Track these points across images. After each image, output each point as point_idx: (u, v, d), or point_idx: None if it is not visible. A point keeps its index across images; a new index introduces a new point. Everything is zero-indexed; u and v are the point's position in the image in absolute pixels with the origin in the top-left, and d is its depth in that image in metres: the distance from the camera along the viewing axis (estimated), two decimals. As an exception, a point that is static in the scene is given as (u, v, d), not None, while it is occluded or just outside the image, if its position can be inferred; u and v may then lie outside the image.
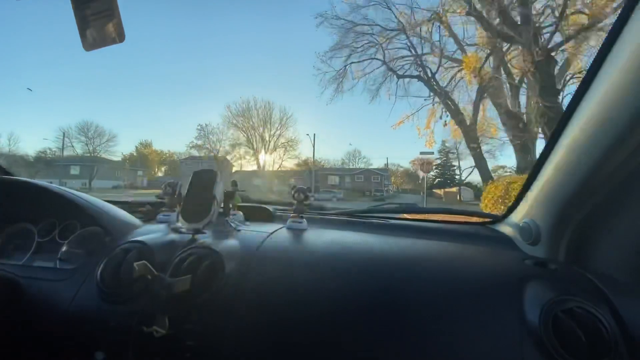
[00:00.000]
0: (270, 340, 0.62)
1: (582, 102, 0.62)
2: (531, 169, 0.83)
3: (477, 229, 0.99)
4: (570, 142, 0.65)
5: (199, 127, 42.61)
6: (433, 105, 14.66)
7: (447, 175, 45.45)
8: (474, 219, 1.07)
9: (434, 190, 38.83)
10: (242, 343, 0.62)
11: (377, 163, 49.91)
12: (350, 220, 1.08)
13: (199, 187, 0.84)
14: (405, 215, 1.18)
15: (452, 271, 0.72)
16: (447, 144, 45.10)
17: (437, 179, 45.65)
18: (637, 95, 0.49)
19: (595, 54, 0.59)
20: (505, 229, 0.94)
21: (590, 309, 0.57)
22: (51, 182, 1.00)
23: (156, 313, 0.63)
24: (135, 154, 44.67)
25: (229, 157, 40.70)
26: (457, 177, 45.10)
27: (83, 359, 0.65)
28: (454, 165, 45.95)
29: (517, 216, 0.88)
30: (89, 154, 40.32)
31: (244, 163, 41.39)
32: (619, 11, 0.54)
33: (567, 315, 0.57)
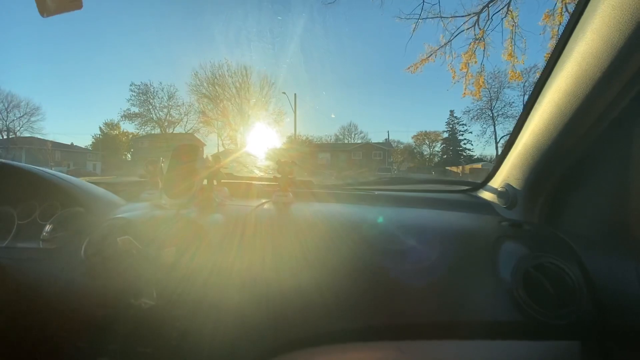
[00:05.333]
0: (256, 307, 0.64)
1: (555, 69, 0.63)
2: (510, 134, 0.84)
3: (459, 196, 1.02)
4: (545, 107, 0.66)
5: (133, 87, 30.27)
6: (479, 26, 7.70)
7: (456, 151, 40.37)
8: (456, 187, 1.10)
9: (447, 168, 34.23)
10: (227, 310, 0.64)
11: (375, 139, 43.20)
12: (336, 193, 1.10)
13: (181, 163, 0.83)
14: (391, 187, 1.20)
15: (431, 235, 0.74)
16: (455, 114, 40.21)
17: (444, 156, 41.06)
18: (603, 64, 0.51)
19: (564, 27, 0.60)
20: (485, 194, 0.97)
21: (559, 263, 0.60)
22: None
23: (143, 286, 0.64)
24: (101, 137, 35.48)
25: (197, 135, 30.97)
26: (467, 152, 39.84)
27: (73, 335, 0.66)
28: (464, 140, 40.59)
29: (497, 181, 0.90)
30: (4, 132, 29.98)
31: (213, 139, 31.23)
32: None
33: (536, 270, 0.61)
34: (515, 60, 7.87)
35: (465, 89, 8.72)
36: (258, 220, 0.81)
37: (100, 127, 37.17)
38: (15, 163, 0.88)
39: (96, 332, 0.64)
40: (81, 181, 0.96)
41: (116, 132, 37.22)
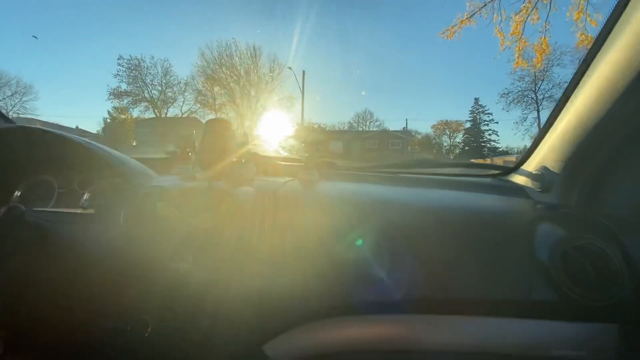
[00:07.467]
0: (287, 274, 0.66)
1: (608, 39, 0.60)
2: (548, 117, 0.81)
3: (488, 180, 1.00)
4: (594, 83, 0.63)
5: (121, 62, 27.48)
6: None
7: (478, 143, 36.39)
8: (485, 171, 1.08)
9: (472, 160, 33.50)
10: (258, 276, 0.66)
11: (392, 127, 37.95)
12: (361, 174, 1.10)
13: (213, 137, 0.84)
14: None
15: (460, 216, 0.74)
16: (479, 102, 36.45)
17: (465, 147, 37.71)
18: None
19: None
20: (517, 178, 0.95)
21: (600, 245, 0.59)
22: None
23: (180, 250, 0.66)
24: (109, 121, 33.14)
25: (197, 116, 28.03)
26: (492, 144, 35.45)
27: (115, 294, 0.70)
28: (488, 130, 36.44)
29: (531, 165, 0.88)
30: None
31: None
32: None
33: (576, 251, 0.60)
34: (588, 18, 5.64)
35: (519, 57, 6.69)
36: (286, 195, 0.82)
37: (108, 111, 34.45)
38: (57, 131, 0.91)
39: (136, 291, 0.67)
40: (116, 152, 0.99)
41: (125, 116, 34.65)
